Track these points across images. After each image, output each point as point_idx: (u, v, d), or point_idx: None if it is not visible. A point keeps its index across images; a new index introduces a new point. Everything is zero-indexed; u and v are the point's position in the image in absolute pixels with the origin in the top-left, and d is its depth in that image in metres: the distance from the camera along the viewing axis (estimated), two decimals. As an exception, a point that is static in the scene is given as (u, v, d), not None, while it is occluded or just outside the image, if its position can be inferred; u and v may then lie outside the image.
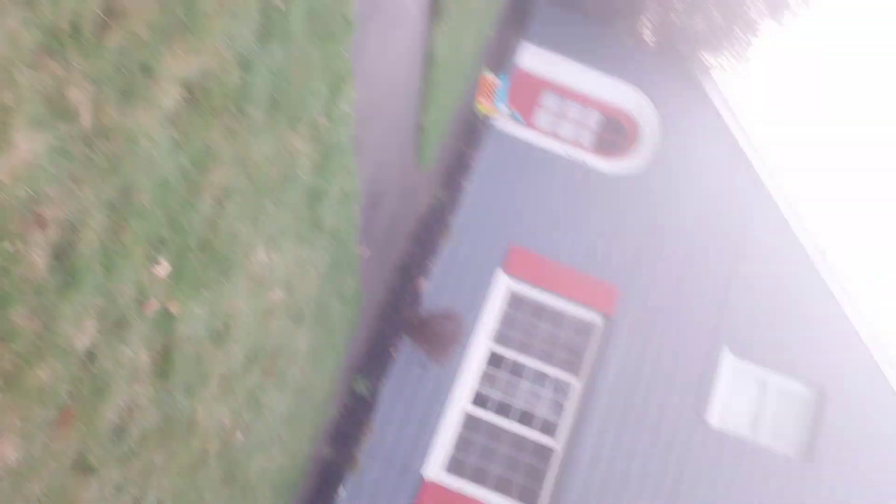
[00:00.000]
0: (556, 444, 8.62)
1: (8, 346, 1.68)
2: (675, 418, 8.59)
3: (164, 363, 2.54)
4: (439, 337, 8.46)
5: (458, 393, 8.61)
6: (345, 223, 4.68)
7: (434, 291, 8.87)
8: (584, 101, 10.22)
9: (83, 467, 2.24)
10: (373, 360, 8.34)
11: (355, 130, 4.15)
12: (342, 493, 8.07)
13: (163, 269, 2.26)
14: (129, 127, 1.82)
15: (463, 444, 8.65)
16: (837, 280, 9.21)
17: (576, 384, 8.84)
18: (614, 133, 10.14)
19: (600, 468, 8.38)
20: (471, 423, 8.73)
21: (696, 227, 9.39)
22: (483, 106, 9.39)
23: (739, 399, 8.92)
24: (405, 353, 8.52)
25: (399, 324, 8.46)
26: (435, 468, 8.40)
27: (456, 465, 8.53)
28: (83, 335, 1.98)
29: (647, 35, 10.22)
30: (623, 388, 8.68)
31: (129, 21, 1.68)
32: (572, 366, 8.96)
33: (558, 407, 8.82)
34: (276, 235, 3.30)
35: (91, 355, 2.06)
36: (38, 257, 1.69)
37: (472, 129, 9.48)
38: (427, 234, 8.91)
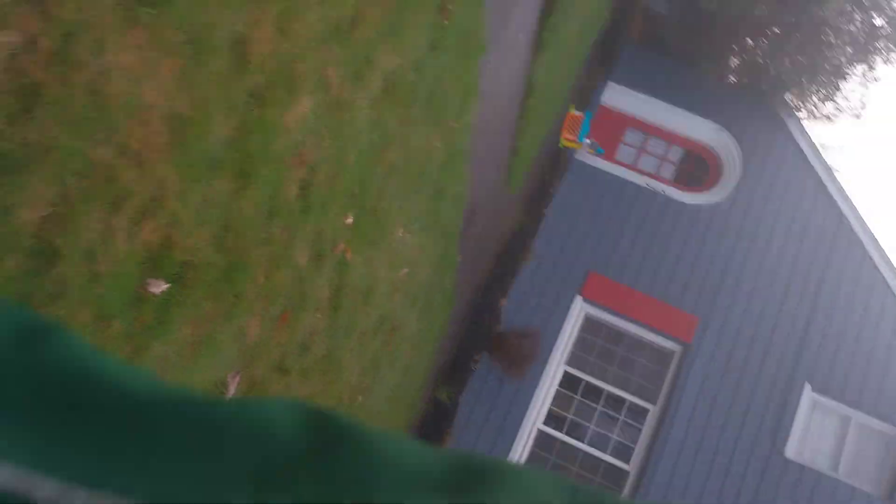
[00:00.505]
0: (629, 467, 8.99)
1: (268, 248, 2.45)
2: (751, 449, 8.86)
3: (335, 301, 3.29)
4: (517, 354, 9.04)
5: (533, 411, 9.13)
6: (452, 224, 5.41)
7: (513, 311, 9.49)
8: (666, 136, 10.81)
9: (281, 368, 2.98)
10: (454, 370, 8.99)
11: (471, 141, 4.91)
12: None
13: (350, 219, 3.01)
14: (353, 102, 2.59)
15: (535, 460, 9.12)
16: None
17: (651, 410, 9.23)
18: (696, 167, 10.66)
19: (674, 493, 8.70)
20: (544, 440, 9.21)
21: (777, 260, 9.76)
22: (567, 140, 10.09)
23: (819, 433, 9.13)
24: (484, 367, 9.13)
25: (479, 339, 9.09)
26: (509, 481, 8.90)
27: (530, 480, 9.00)
28: (303, 257, 2.74)
29: (731, 74, 10.78)
30: (699, 416, 9.02)
31: (366, 25, 2.45)
32: (648, 392, 9.36)
33: (633, 431, 9.22)
34: (411, 219, 4.04)
35: (302, 275, 2.82)
36: (292, 188, 2.47)
37: (555, 160, 10.20)
38: (509, 256, 9.59)
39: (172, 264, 1.88)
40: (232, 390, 2.56)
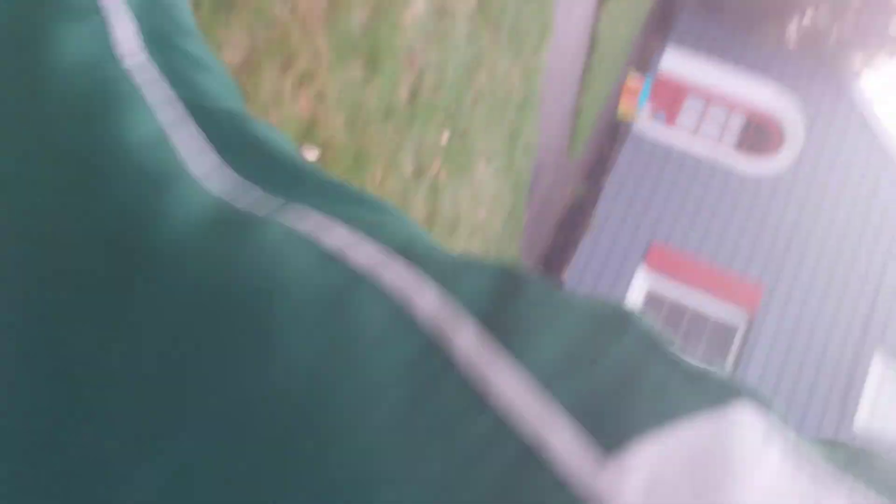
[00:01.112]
0: (695, 437, 9.05)
1: (384, 148, 2.65)
2: (819, 421, 8.85)
3: (429, 225, 3.49)
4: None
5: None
6: (523, 176, 5.58)
7: (575, 284, 9.61)
8: (726, 103, 10.81)
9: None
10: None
11: (542, 88, 5.07)
12: None
13: (445, 138, 3.21)
14: (455, 11, 2.79)
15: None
16: None
17: (718, 376, 9.27)
18: (758, 134, 10.65)
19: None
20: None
21: (843, 227, 9.71)
22: (625, 109, 10.17)
23: (890, 404, 9.08)
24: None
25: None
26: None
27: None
28: (409, 166, 2.94)
29: (793, 37, 10.74)
30: (765, 387, 9.03)
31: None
32: (713, 363, 9.40)
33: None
34: (491, 156, 4.23)
35: (407, 186, 3.02)
36: (403, 91, 2.67)
37: (614, 129, 10.29)
38: (569, 227, 9.73)
39: (318, 138, 2.09)
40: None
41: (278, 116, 1.84)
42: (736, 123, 10.73)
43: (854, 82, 10.59)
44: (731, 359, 9.35)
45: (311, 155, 2.00)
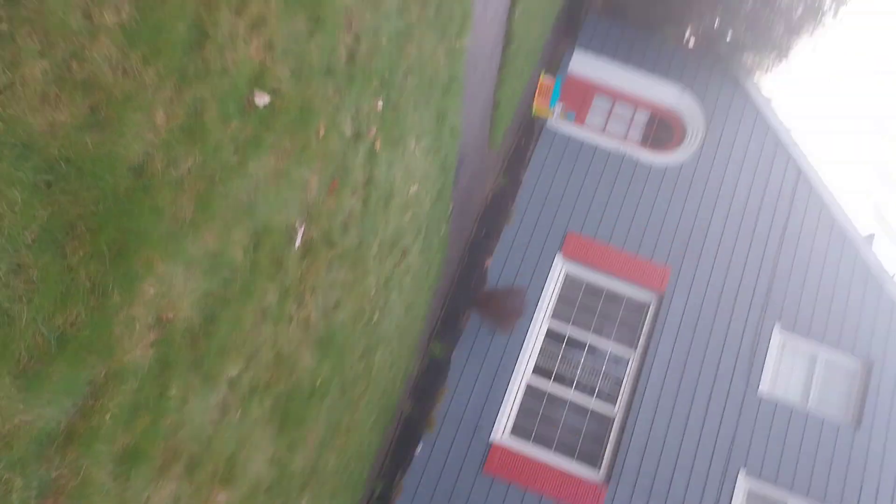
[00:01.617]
0: (614, 411, 9.43)
1: (325, 104, 2.77)
2: (727, 388, 9.37)
3: (367, 192, 3.62)
4: (504, 311, 9.41)
5: (522, 364, 9.52)
6: (449, 157, 5.77)
7: (498, 270, 9.87)
8: (632, 101, 11.33)
9: (328, 240, 3.30)
10: (446, 327, 9.34)
11: (465, 72, 5.27)
12: (419, 450, 8.98)
13: (380, 105, 3.35)
14: (388, -15, 2.95)
15: (527, 411, 9.51)
16: (880, 263, 10.03)
17: (632, 357, 9.70)
18: (661, 129, 11.19)
19: (657, 432, 9.16)
20: (534, 392, 9.60)
21: (742, 211, 10.32)
22: (539, 107, 10.54)
23: (789, 370, 9.69)
24: (474, 325, 9.49)
25: (468, 297, 9.46)
26: (502, 433, 9.26)
27: (521, 430, 9.38)
28: (347, 127, 3.07)
29: (690, 39, 11.35)
30: (677, 360, 9.50)
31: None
32: (628, 340, 9.82)
33: (616, 377, 9.66)
34: (421, 133, 4.40)
35: (346, 148, 3.15)
36: (342, 52, 2.80)
37: (529, 126, 10.63)
38: (492, 217, 9.99)
39: (268, 85, 2.21)
40: (299, 239, 2.88)
41: (234, 58, 1.95)
42: (641, 119, 11.25)
43: (748, 79, 11.26)
44: (645, 330, 9.77)
45: (263, 100, 2.12)
